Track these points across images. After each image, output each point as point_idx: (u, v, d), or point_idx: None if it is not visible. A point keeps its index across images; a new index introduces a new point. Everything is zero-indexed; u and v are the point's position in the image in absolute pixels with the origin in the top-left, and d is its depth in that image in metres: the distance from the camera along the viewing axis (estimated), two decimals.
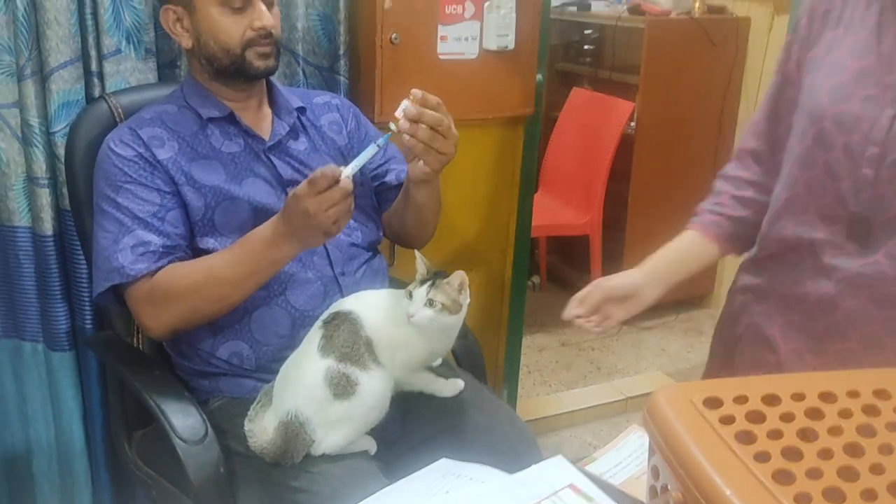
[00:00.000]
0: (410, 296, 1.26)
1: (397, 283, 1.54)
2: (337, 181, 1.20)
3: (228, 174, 1.43)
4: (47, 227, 1.61)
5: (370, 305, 1.31)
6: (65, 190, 1.59)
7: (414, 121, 1.29)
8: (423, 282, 1.26)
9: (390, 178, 1.63)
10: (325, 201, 1.20)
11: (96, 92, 1.63)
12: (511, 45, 1.93)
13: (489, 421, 1.40)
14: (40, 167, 1.58)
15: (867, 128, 1.09)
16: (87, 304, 1.67)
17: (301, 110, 1.56)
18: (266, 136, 1.49)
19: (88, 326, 1.69)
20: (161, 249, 1.35)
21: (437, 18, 1.84)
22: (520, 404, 2.53)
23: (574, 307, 1.26)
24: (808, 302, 1.18)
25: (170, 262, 1.35)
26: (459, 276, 1.27)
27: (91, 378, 1.74)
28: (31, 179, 1.60)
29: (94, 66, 1.62)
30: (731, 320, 1.34)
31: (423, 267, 1.29)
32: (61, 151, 1.57)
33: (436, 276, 1.27)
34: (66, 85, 1.57)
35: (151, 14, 1.64)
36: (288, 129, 1.52)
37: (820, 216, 1.15)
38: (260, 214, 1.41)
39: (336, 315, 1.29)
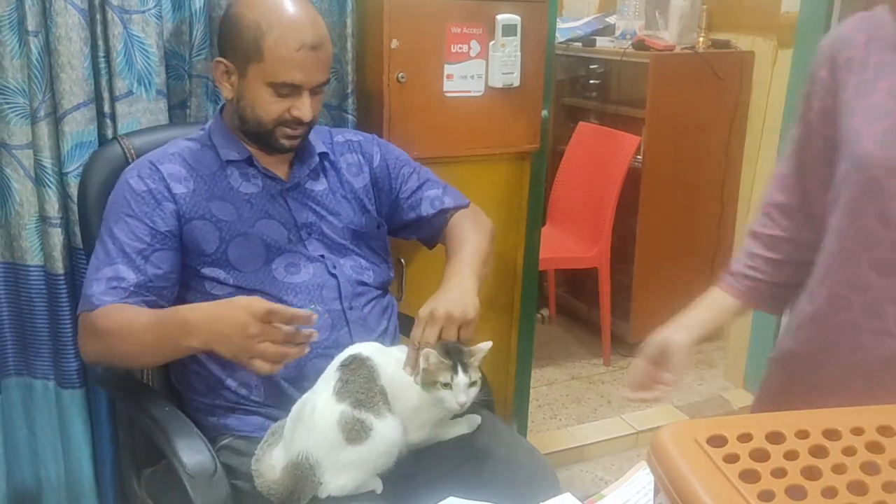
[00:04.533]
0: (448, 386, 1.22)
1: (406, 320, 1.54)
2: (295, 320, 1.19)
3: (241, 215, 1.45)
4: (59, 265, 1.63)
5: (388, 360, 1.29)
6: (76, 229, 1.61)
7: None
8: (453, 368, 1.22)
9: (425, 207, 1.62)
10: (267, 333, 1.19)
11: (109, 133, 1.65)
12: (516, 83, 1.95)
13: (508, 452, 1.40)
14: (53, 207, 1.61)
15: None
16: None
17: (324, 155, 1.57)
18: (285, 178, 1.51)
19: None
20: (132, 288, 1.36)
21: (444, 57, 1.87)
22: (530, 438, 2.52)
23: (631, 392, 1.23)
24: (872, 366, 1.09)
25: (136, 302, 1.36)
26: (487, 348, 1.26)
27: (101, 416, 1.75)
28: (43, 219, 1.62)
29: (106, 108, 1.64)
30: (781, 393, 1.25)
31: (434, 357, 1.23)
32: (74, 191, 1.59)
33: (454, 355, 1.24)
34: (79, 126, 1.60)
35: (163, 57, 1.67)
36: (308, 171, 1.53)
37: (874, 268, 1.07)
38: (272, 252, 1.43)
39: (354, 358, 1.28)
